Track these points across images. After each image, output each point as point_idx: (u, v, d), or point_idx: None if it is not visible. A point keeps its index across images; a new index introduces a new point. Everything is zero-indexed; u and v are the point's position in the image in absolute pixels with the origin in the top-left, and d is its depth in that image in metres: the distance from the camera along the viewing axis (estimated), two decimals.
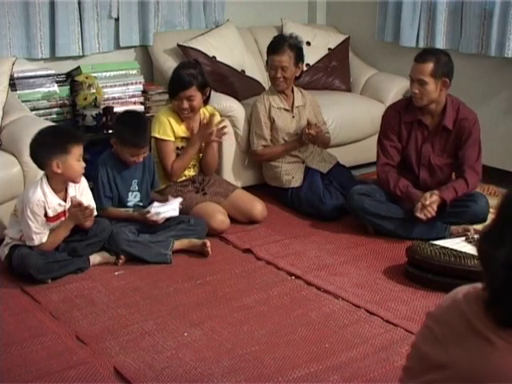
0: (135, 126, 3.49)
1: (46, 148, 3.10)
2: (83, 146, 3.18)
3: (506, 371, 1.25)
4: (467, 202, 3.62)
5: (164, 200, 3.61)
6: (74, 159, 3.12)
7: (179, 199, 3.59)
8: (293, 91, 4.25)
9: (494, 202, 3.77)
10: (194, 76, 3.75)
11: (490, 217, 3.63)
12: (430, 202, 3.49)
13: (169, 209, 3.50)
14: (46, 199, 3.12)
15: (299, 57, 4.14)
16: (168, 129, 3.80)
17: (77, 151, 3.13)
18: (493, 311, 1.29)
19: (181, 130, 3.85)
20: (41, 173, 3.24)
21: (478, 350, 1.29)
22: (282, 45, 4.08)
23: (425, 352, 1.41)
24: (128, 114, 3.73)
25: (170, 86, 3.86)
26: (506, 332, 1.27)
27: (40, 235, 3.14)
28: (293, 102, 4.23)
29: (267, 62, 4.19)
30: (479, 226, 3.55)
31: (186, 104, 3.76)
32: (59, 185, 3.18)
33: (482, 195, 3.74)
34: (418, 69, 3.58)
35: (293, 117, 4.22)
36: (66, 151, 3.09)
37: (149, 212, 3.45)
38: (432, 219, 3.52)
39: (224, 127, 3.86)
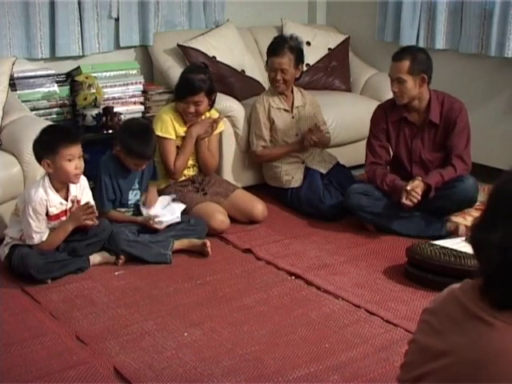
0: (142, 137, 3.46)
1: (39, 147, 3.12)
2: (81, 145, 3.14)
3: (505, 350, 1.27)
4: (454, 183, 3.58)
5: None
6: (64, 160, 3.08)
7: (181, 206, 3.60)
8: (292, 91, 4.25)
9: None
10: (204, 81, 3.76)
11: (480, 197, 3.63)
12: (412, 186, 3.49)
13: (171, 216, 3.51)
14: (47, 198, 3.12)
15: (299, 59, 4.13)
16: (170, 127, 3.80)
17: (66, 152, 3.07)
18: (488, 295, 1.31)
19: (182, 129, 3.85)
20: (41, 173, 3.24)
21: (476, 332, 1.30)
22: (282, 47, 4.07)
23: (424, 344, 1.41)
24: (134, 123, 3.67)
25: (179, 88, 3.85)
26: (502, 313, 1.29)
27: (40, 234, 3.14)
28: (292, 103, 4.23)
29: (267, 62, 4.19)
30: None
31: (192, 108, 3.76)
32: (60, 184, 3.18)
33: (470, 176, 3.66)
34: (395, 67, 3.61)
35: (292, 117, 4.21)
36: (54, 152, 3.07)
37: (155, 217, 3.46)
38: (418, 204, 3.50)
39: (218, 119, 3.89)
